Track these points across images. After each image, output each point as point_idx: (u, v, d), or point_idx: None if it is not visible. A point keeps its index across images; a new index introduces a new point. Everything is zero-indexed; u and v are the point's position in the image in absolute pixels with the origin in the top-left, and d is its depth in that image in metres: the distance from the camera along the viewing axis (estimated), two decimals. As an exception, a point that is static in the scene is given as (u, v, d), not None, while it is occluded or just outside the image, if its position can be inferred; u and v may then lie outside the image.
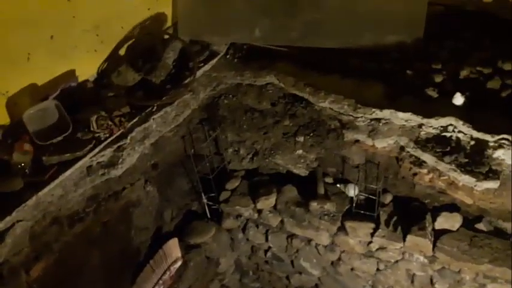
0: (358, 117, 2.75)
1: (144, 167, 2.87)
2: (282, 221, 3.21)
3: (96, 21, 2.71)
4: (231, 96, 3.26)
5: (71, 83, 2.67)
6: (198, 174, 3.30)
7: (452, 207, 2.73)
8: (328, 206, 3.01)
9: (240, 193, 3.33)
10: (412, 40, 2.87)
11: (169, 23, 3.24)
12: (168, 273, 3.01)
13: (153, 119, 2.68)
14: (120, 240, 2.80)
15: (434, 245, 2.67)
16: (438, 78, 2.70)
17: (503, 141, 2.32)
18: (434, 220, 2.71)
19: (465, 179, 2.41)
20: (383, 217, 2.87)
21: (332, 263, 3.22)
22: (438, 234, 2.70)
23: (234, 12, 3.13)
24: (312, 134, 3.11)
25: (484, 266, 2.54)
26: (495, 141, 2.35)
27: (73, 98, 2.62)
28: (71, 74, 2.69)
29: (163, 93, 2.76)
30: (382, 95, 2.75)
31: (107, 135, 2.44)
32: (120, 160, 2.50)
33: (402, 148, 2.72)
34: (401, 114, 2.58)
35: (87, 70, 2.79)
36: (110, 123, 2.47)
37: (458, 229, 2.69)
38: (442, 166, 2.49)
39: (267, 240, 3.39)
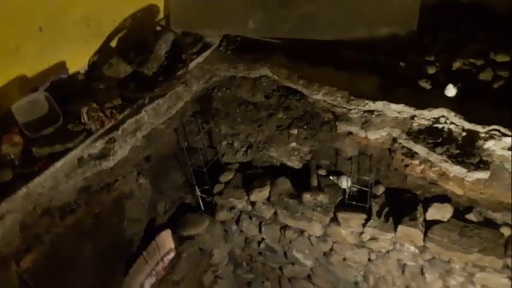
0: (351, 109, 2.76)
1: (136, 159, 2.86)
2: (275, 213, 3.23)
3: (86, 12, 2.69)
4: (224, 88, 3.25)
5: (61, 74, 2.65)
6: (191, 167, 3.30)
7: (443, 198, 2.76)
8: (321, 198, 3.03)
9: (234, 186, 3.34)
10: (406, 32, 2.86)
11: (161, 15, 3.23)
12: (161, 264, 3.02)
13: (145, 111, 2.67)
14: (112, 231, 2.80)
15: (425, 235, 2.69)
16: (431, 70, 2.71)
17: (494, 132, 2.33)
18: (425, 211, 2.74)
19: (456, 170, 2.43)
20: (375, 208, 2.89)
21: (324, 253, 3.24)
22: (429, 224, 2.72)
23: (227, 4, 3.12)
24: (305, 127, 3.11)
25: (474, 255, 2.56)
26: (486, 132, 2.36)
27: (63, 90, 2.60)
28: (62, 65, 2.67)
29: (156, 85, 2.74)
30: (375, 87, 2.75)
31: (98, 127, 2.43)
32: (112, 152, 2.49)
33: (395, 140, 2.73)
34: (394, 106, 2.58)
35: (78, 62, 2.77)
36: (101, 115, 2.46)
37: (449, 220, 2.71)
38: (434, 157, 2.50)
39: (260, 231, 3.40)
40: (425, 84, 2.63)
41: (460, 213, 2.73)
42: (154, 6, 3.13)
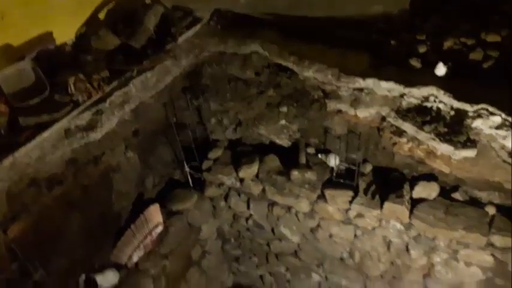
0: (341, 87, 2.75)
1: (124, 133, 2.84)
2: (263, 190, 3.24)
3: (75, -18, 2.63)
4: (214, 64, 3.22)
5: (48, 45, 2.60)
6: (180, 143, 3.29)
7: (430, 177, 2.79)
8: (309, 175, 3.05)
9: (223, 162, 3.35)
10: (398, 11, 2.84)
11: (151, -13, 3.15)
12: (149, 237, 3.03)
13: (133, 83, 2.64)
14: (100, 204, 2.79)
15: (411, 213, 2.73)
16: (422, 49, 2.70)
17: (482, 111, 2.34)
18: (412, 189, 2.77)
19: (443, 148, 2.45)
20: (362, 186, 2.93)
21: (311, 229, 3.27)
22: (415, 203, 2.76)
23: (218, -22, 3.07)
24: (295, 105, 3.10)
25: (458, 232, 2.61)
26: (474, 111, 2.37)
27: (51, 61, 2.56)
28: (48, 36, 2.61)
29: (144, 58, 2.70)
30: (366, 65, 2.74)
31: (85, 98, 2.40)
32: (99, 124, 2.47)
33: (383, 118, 2.74)
34: (383, 84, 2.58)
35: (65, 33, 2.71)
36: (88, 86, 2.42)
37: (435, 198, 2.76)
38: (422, 135, 2.52)
39: (248, 208, 3.42)
40: (416, 63, 2.62)
41: (446, 192, 2.78)
42: (144, -22, 3.06)
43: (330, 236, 3.21)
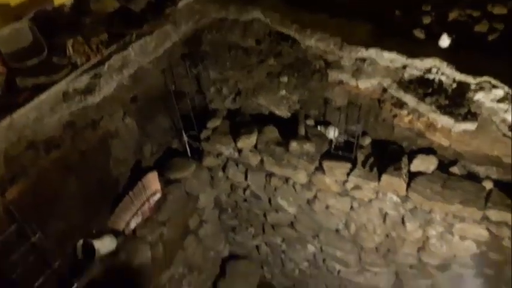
0: (344, 56, 2.72)
1: (122, 98, 2.81)
2: (261, 160, 3.24)
3: None
4: (214, 31, 3.17)
5: (45, 6, 2.55)
6: (179, 112, 3.26)
7: (429, 150, 2.79)
8: (308, 147, 3.04)
9: (221, 132, 3.33)
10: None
11: (151, -51, 3.06)
12: (147, 204, 3.04)
13: (132, 47, 2.60)
14: (98, 170, 2.79)
15: (408, 186, 2.73)
16: (427, 20, 2.67)
17: (484, 83, 2.32)
18: (410, 162, 2.77)
19: (444, 120, 2.44)
20: (360, 158, 2.92)
21: (308, 201, 3.29)
22: (413, 176, 2.76)
23: None
24: (296, 75, 3.07)
25: (455, 206, 2.62)
26: (477, 84, 2.36)
27: (49, 22, 2.51)
28: (46, -4, 2.56)
29: (143, 22, 2.67)
30: (369, 35, 2.70)
31: (84, 61, 2.36)
32: (97, 87, 2.44)
33: (385, 90, 2.71)
34: (386, 54, 2.56)
35: (64, -6, 2.66)
36: (86, 49, 2.39)
37: (433, 172, 2.76)
38: (423, 107, 2.50)
39: (246, 178, 3.43)
40: (420, 34, 2.59)
41: (444, 167, 2.77)
42: None
43: (327, 207, 3.23)
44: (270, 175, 3.30)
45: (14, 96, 2.14)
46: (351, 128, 2.96)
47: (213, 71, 3.33)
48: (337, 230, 3.40)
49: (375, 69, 2.66)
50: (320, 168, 3.03)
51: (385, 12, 2.80)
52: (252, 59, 3.18)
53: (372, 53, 2.58)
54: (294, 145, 3.05)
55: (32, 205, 2.35)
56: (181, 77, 3.24)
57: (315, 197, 3.21)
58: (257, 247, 4.20)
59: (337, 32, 2.73)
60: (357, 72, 2.72)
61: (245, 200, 3.67)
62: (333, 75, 2.82)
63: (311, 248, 3.74)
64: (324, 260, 3.74)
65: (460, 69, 2.38)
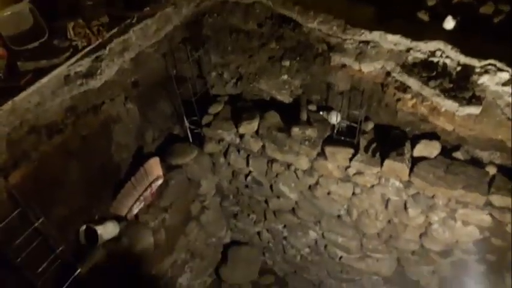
0: (347, 39, 2.69)
1: (124, 83, 2.79)
2: (263, 146, 3.23)
3: None
4: (215, 14, 3.13)
5: (45, -12, 2.51)
6: (180, 97, 3.24)
7: (432, 135, 2.76)
8: (310, 132, 3.02)
9: (223, 117, 3.31)
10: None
11: None
12: (149, 190, 3.04)
13: (133, 31, 2.58)
14: (100, 155, 2.78)
15: (410, 171, 2.72)
16: (431, 2, 2.63)
17: (489, 66, 2.30)
18: (413, 147, 2.75)
19: (448, 104, 2.43)
20: (363, 143, 2.90)
21: (310, 187, 3.28)
22: (416, 161, 2.74)
23: None
24: (298, 58, 3.04)
25: (458, 191, 2.61)
26: (481, 67, 2.34)
27: (49, 5, 2.48)
28: (46, -22, 2.52)
29: (144, 5, 2.64)
30: (372, 17, 2.67)
31: (85, 44, 2.34)
32: (99, 71, 2.42)
33: (388, 73, 2.69)
34: (390, 37, 2.53)
35: (63, -23, 2.62)
36: (87, 31, 2.36)
37: (436, 157, 2.74)
38: (426, 91, 2.48)
39: (247, 164, 3.42)
40: (424, 16, 2.56)
41: (447, 152, 2.76)
42: None
43: (328, 193, 3.22)
44: (271, 161, 3.29)
45: (15, 80, 2.12)
46: (353, 112, 2.94)
47: (214, 55, 3.30)
48: (338, 216, 3.40)
49: (379, 52, 2.63)
50: (322, 154, 3.01)
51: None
52: (253, 43, 3.15)
53: (376, 35, 2.55)
54: (295, 131, 3.03)
55: (34, 190, 2.35)
56: (182, 61, 3.21)
57: (317, 183, 3.20)
58: (259, 233, 4.21)
59: (340, 15, 2.69)
60: (360, 56, 2.69)
61: (247, 186, 3.66)
62: (336, 58, 2.79)
63: (313, 234, 3.74)
64: (325, 246, 3.75)
65: (465, 52, 2.35)
